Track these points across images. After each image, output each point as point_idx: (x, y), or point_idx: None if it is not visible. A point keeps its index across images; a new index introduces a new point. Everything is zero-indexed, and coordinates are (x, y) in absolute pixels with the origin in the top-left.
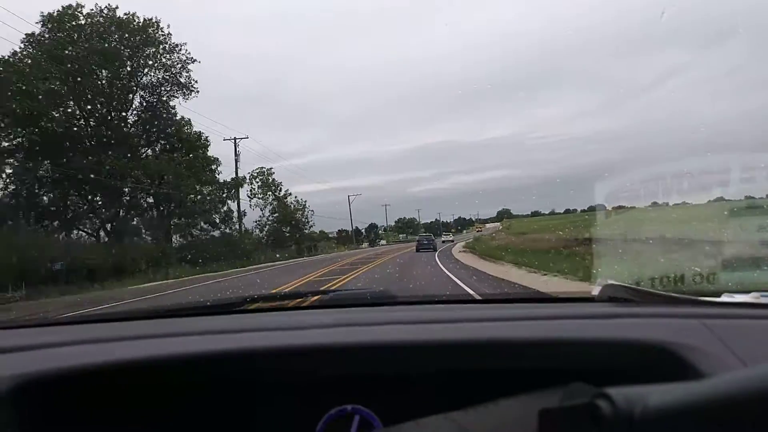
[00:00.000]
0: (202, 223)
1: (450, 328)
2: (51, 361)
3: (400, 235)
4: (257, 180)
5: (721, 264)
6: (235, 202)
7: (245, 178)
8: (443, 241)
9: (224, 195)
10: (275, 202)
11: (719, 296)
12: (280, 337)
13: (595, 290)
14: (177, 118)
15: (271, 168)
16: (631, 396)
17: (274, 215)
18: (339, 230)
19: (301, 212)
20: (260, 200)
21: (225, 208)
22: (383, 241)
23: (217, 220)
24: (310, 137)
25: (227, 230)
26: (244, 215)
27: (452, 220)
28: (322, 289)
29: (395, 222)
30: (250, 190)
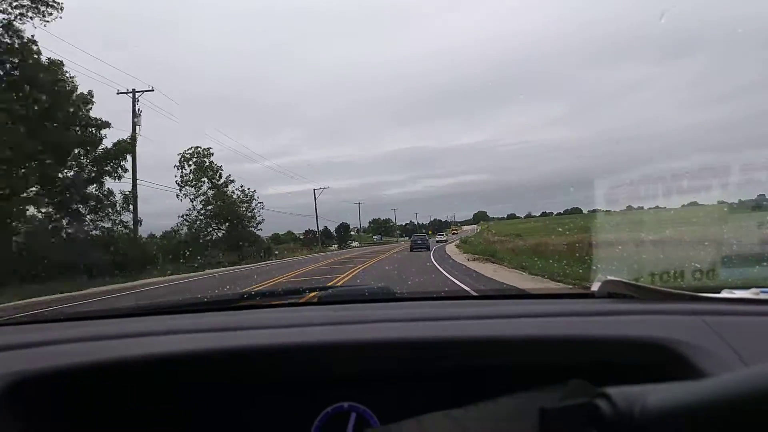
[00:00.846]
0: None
1: (449, 325)
2: (47, 359)
3: (375, 237)
4: (191, 163)
5: (720, 260)
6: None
7: (128, 142)
8: (437, 241)
9: (107, 166)
10: (211, 191)
11: (719, 292)
12: (277, 334)
13: (595, 286)
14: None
15: (209, 148)
16: (630, 395)
17: (208, 208)
18: (306, 230)
19: (247, 205)
20: (192, 189)
21: (105, 189)
22: (355, 243)
23: (100, 209)
24: (285, 139)
25: (108, 223)
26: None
27: (429, 222)
28: (319, 285)
29: (369, 223)
30: (181, 176)
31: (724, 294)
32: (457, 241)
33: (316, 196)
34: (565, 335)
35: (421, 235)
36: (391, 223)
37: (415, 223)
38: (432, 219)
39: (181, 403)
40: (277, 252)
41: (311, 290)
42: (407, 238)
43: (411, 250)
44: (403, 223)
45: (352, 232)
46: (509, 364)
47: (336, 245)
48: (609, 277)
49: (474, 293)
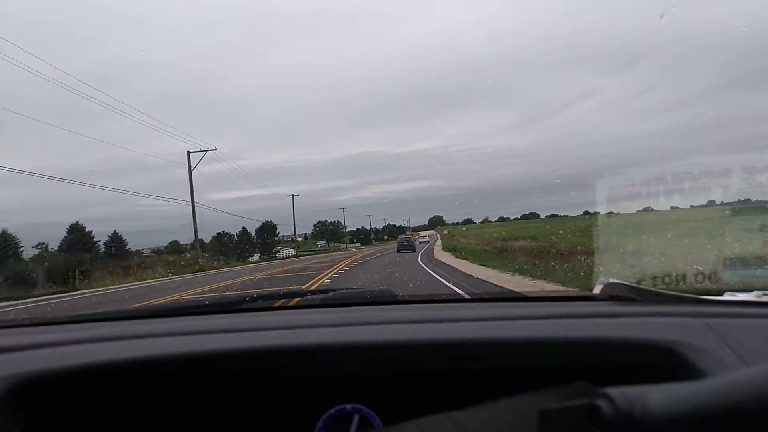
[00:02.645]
0: None
1: (450, 327)
2: (49, 361)
3: (318, 243)
4: None
5: (723, 263)
6: None
7: None
8: (420, 242)
9: None
10: None
11: (721, 295)
12: (279, 336)
13: (597, 289)
14: None
15: None
16: (631, 396)
17: None
18: (219, 232)
19: None
20: None
21: None
22: (288, 251)
23: None
24: (233, 142)
25: None
26: None
27: (383, 227)
28: (322, 288)
29: (315, 226)
30: None
31: (727, 297)
32: (439, 245)
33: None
34: (567, 337)
35: (407, 237)
36: (341, 227)
37: (368, 228)
38: (387, 224)
39: (184, 404)
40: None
41: (314, 293)
42: (359, 244)
43: (398, 251)
44: (355, 228)
45: (278, 236)
46: (511, 367)
47: (258, 255)
48: (611, 280)
49: (475, 296)
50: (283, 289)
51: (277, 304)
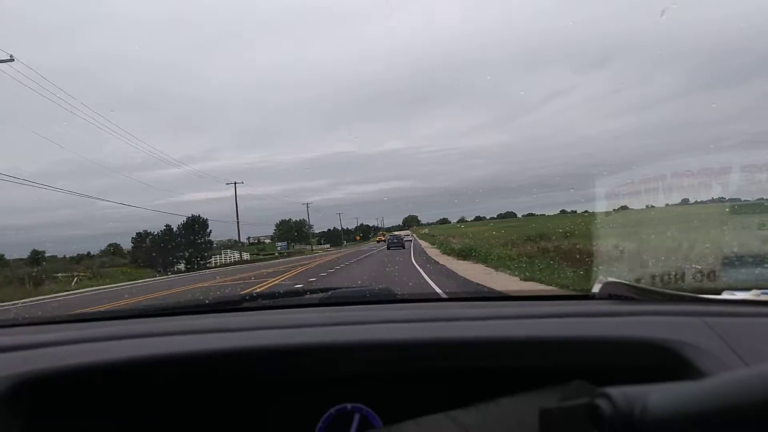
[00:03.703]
0: None
1: (450, 326)
2: (49, 361)
3: (278, 245)
4: None
5: (721, 261)
6: None
7: None
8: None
9: None
10: None
11: (720, 294)
12: (279, 335)
13: (596, 288)
14: None
15: None
16: (631, 395)
17: None
18: (139, 232)
19: None
20: None
21: None
22: (232, 256)
23: None
24: (204, 143)
25: None
26: None
27: (355, 227)
28: (321, 287)
29: (276, 226)
30: None
31: (726, 295)
32: (433, 249)
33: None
34: (565, 336)
35: (397, 234)
36: (308, 227)
37: (339, 228)
38: (360, 224)
39: (183, 404)
40: None
41: (313, 292)
42: (329, 245)
43: (388, 249)
44: (326, 229)
45: (210, 235)
46: (510, 366)
47: (184, 264)
48: (609, 279)
49: (476, 295)
50: (283, 288)
51: (276, 304)
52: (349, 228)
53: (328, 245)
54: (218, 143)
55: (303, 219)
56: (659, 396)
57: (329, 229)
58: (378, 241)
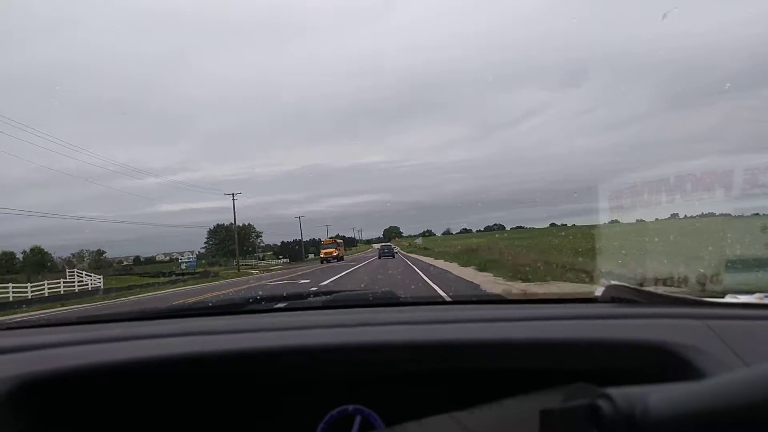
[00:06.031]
0: None
1: (452, 328)
2: (51, 362)
3: (183, 260)
4: None
5: (724, 265)
6: None
7: None
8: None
9: None
10: None
11: (723, 297)
12: (281, 337)
13: (598, 291)
14: None
15: None
16: (631, 396)
17: None
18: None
19: None
20: None
21: None
22: (187, 269)
23: None
24: (180, 153)
25: None
26: None
27: (328, 237)
28: (324, 290)
29: (209, 234)
30: None
31: (729, 299)
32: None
33: None
34: (568, 338)
35: (387, 244)
36: (254, 235)
37: (317, 239)
38: (336, 235)
39: (187, 404)
40: None
41: (316, 295)
42: (288, 260)
43: (379, 258)
44: (307, 239)
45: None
46: (512, 368)
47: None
48: (613, 282)
49: (478, 298)
50: (287, 291)
51: (279, 306)
52: (319, 239)
53: (287, 259)
54: (192, 154)
55: (249, 223)
56: (660, 396)
57: (291, 241)
58: (323, 259)
